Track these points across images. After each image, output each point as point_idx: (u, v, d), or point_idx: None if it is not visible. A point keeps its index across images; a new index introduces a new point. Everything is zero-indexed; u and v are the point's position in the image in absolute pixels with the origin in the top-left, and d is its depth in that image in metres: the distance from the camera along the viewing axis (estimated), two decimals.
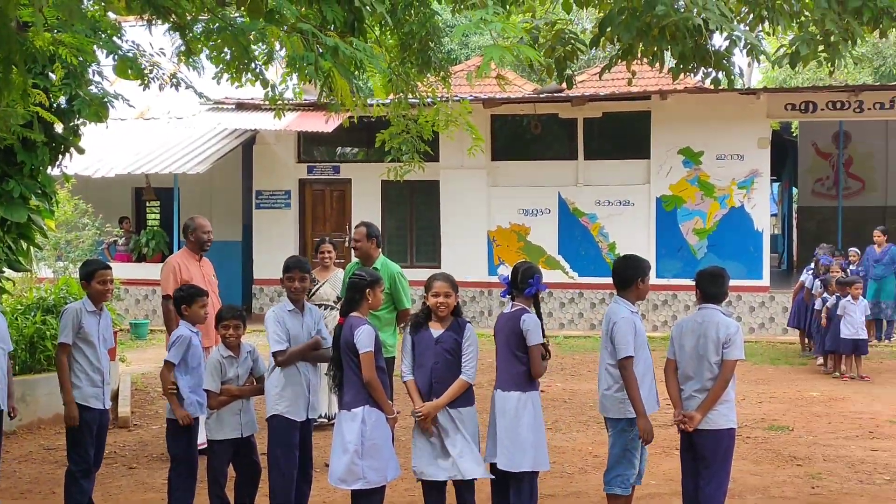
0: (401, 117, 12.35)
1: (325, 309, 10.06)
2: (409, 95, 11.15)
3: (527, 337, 6.60)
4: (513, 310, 6.76)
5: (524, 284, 6.73)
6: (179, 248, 10.05)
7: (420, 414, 6.53)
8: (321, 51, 5.77)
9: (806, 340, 16.16)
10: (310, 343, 7.07)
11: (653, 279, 17.92)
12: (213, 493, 7.06)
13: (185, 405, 7.15)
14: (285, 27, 5.91)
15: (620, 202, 19.22)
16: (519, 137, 20.16)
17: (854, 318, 13.87)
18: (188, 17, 7.03)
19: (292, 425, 6.99)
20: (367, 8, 6.38)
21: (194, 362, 7.26)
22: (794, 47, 8.39)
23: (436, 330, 6.63)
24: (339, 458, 6.45)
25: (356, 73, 6.73)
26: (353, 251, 9.00)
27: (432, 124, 12.59)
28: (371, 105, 11.77)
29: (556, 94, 19.28)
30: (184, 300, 7.42)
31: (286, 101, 11.58)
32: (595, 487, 7.96)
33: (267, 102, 10.43)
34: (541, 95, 19.82)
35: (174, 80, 9.99)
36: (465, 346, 6.60)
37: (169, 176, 19.23)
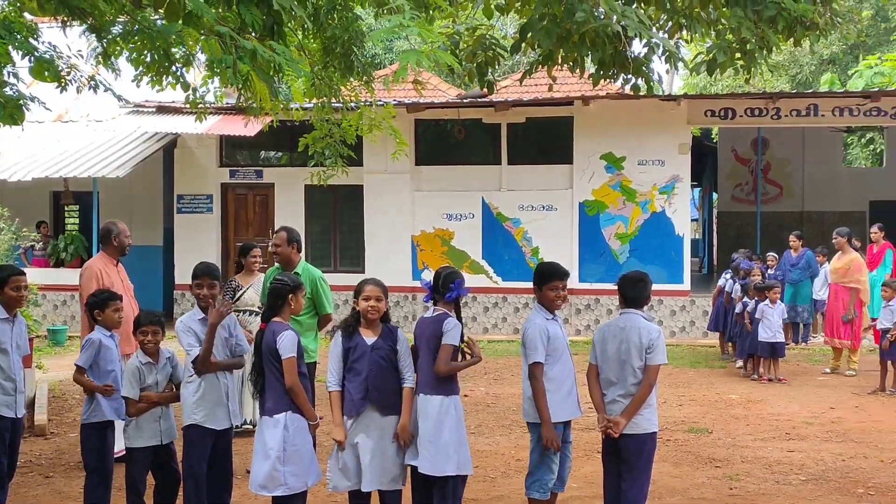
0: (324, 121, 12.29)
1: (249, 314, 9.98)
2: (333, 99, 11.10)
3: (443, 336, 6.59)
4: (434, 314, 6.75)
5: (445, 289, 6.71)
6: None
7: (403, 441, 6.51)
8: (240, 54, 5.72)
9: (726, 344, 16.39)
10: (207, 338, 6.79)
11: (576, 284, 18.44)
12: (132, 501, 6.95)
13: (102, 407, 7.05)
14: (203, 30, 5.84)
15: (544, 207, 19.29)
16: (443, 142, 20.17)
17: (772, 322, 14.10)
18: (106, 19, 6.93)
19: (209, 434, 6.89)
20: (288, 11, 6.32)
21: (107, 367, 7.14)
22: (711, 55, 8.54)
23: (368, 337, 6.58)
24: (260, 464, 6.40)
25: (276, 76, 6.68)
26: (273, 256, 8.92)
27: (356, 128, 12.56)
28: (293, 109, 11.69)
29: (479, 100, 19.33)
30: (97, 305, 7.30)
31: (207, 105, 11.46)
32: (517, 491, 7.99)
33: (188, 106, 10.33)
34: (464, 100, 19.86)
35: (92, 82, 9.83)
36: (401, 353, 6.61)
37: (88, 180, 18.89)
